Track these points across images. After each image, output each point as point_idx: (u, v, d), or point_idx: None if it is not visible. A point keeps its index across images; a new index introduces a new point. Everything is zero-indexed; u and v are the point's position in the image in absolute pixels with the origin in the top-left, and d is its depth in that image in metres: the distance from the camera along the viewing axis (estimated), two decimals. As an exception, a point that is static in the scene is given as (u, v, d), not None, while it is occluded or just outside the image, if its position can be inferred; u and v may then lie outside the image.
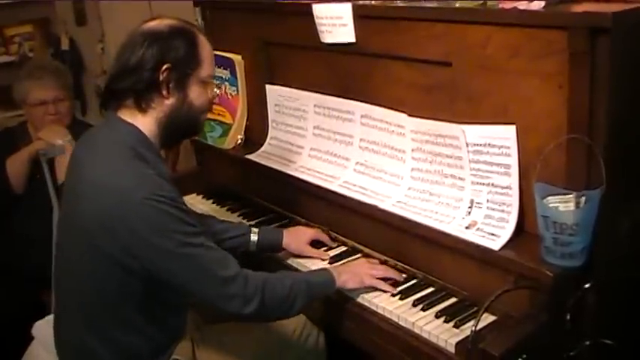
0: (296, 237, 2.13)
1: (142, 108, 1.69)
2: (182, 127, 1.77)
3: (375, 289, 1.87)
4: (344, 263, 2.02)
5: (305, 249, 2.10)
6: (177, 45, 1.68)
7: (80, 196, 1.66)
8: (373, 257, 2.03)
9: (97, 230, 1.60)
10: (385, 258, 2.01)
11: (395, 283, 1.88)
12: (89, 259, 1.64)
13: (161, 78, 1.67)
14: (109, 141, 1.70)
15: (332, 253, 2.10)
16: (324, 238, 2.15)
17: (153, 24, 1.72)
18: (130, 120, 1.70)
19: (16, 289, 2.62)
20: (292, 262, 2.11)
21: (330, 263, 2.05)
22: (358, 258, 2.05)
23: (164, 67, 1.66)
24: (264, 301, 1.69)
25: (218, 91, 1.80)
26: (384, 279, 1.89)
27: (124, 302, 1.68)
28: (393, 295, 1.84)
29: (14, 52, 4.40)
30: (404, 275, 1.92)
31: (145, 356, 1.75)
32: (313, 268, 2.02)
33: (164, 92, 1.69)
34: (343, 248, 2.13)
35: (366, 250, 2.07)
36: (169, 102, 1.71)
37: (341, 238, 2.16)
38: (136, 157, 1.65)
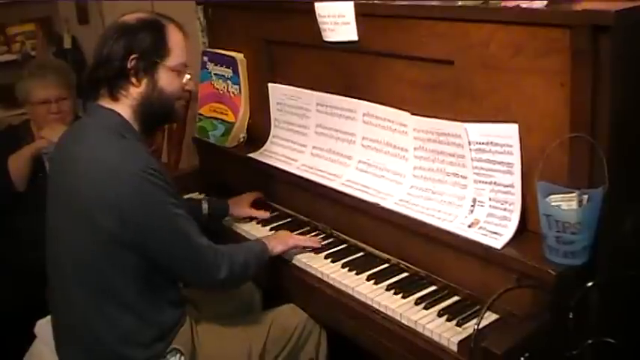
0: (239, 202, 2.37)
1: (114, 96, 1.80)
2: (156, 113, 1.85)
3: (303, 250, 2.11)
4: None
5: (249, 211, 2.36)
6: (144, 36, 1.79)
7: (75, 176, 1.74)
8: (376, 256, 2.03)
9: (94, 204, 1.69)
10: (387, 256, 2.01)
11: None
12: (87, 237, 1.72)
13: (129, 66, 1.77)
14: (93, 126, 1.82)
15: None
16: (261, 197, 2.42)
17: (124, 18, 1.84)
18: (108, 106, 1.81)
19: (18, 287, 2.62)
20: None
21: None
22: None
23: (132, 56, 1.77)
24: (231, 268, 1.85)
25: (189, 76, 1.92)
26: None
27: (121, 281, 1.74)
28: (395, 294, 1.84)
29: (17, 51, 4.40)
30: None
31: (144, 342, 1.79)
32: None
33: (133, 80, 1.79)
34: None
35: (369, 248, 2.07)
36: (140, 89, 1.81)
37: (343, 236, 2.16)
38: (121, 136, 1.76)
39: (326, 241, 2.15)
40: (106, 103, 1.81)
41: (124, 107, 1.80)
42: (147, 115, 1.83)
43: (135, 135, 1.81)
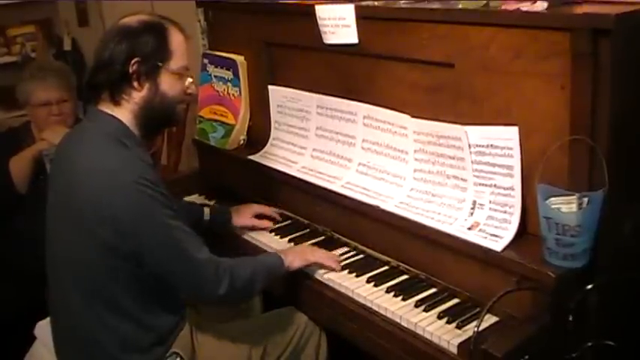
0: (242, 212, 2.33)
1: (116, 100, 1.77)
2: (158, 117, 1.83)
3: (322, 268, 2.00)
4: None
5: (250, 222, 2.31)
6: (146, 39, 1.75)
7: (72, 182, 1.73)
8: (375, 258, 2.04)
9: (89, 213, 1.68)
10: (387, 259, 2.01)
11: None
12: (83, 243, 1.71)
13: (131, 70, 1.74)
14: (92, 131, 1.79)
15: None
16: (268, 211, 2.34)
17: (125, 20, 1.81)
18: (108, 111, 1.78)
19: (19, 288, 2.63)
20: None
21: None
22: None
23: (134, 60, 1.74)
24: (233, 284, 1.79)
25: (191, 79, 1.88)
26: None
27: (117, 288, 1.73)
28: (395, 296, 1.84)
29: (17, 53, 4.39)
30: (405, 276, 1.94)
31: (143, 347, 1.79)
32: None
33: (135, 84, 1.76)
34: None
35: (369, 250, 2.07)
36: (142, 94, 1.78)
37: (343, 238, 2.16)
38: (119, 144, 1.74)
39: (326, 244, 2.15)
40: (107, 107, 1.78)
41: (125, 112, 1.78)
42: (148, 119, 1.80)
43: (135, 141, 1.79)
